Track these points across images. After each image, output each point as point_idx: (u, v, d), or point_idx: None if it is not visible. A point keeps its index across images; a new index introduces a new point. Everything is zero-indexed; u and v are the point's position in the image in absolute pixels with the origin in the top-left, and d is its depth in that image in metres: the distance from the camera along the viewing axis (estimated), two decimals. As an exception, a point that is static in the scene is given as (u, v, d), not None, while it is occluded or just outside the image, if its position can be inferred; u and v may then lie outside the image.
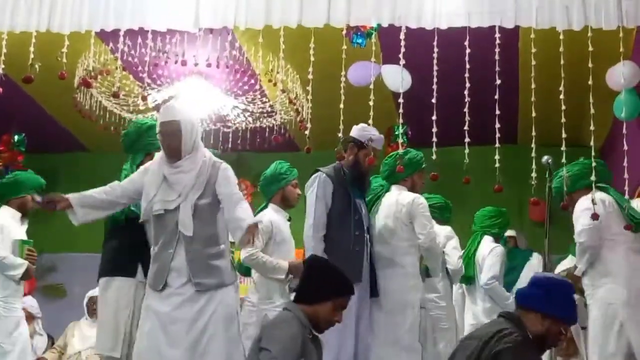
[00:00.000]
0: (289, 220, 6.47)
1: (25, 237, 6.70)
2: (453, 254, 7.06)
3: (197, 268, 4.85)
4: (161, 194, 4.97)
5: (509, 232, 8.71)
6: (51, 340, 8.92)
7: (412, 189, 6.19)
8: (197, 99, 8.72)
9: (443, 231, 7.03)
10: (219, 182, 4.97)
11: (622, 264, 5.61)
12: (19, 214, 6.70)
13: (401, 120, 5.83)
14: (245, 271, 6.47)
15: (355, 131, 5.91)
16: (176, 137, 4.98)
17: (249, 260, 6.07)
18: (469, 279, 7.58)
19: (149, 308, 4.91)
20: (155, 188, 4.99)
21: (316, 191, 5.68)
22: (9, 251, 6.47)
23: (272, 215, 6.34)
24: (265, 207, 6.47)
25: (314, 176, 5.77)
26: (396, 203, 6.02)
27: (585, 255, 5.69)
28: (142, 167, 5.23)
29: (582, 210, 5.65)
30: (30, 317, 8.07)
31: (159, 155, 5.15)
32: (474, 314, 7.58)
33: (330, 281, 4.51)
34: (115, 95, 6.77)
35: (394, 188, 6.20)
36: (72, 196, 5.05)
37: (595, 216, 5.36)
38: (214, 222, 4.97)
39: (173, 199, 4.93)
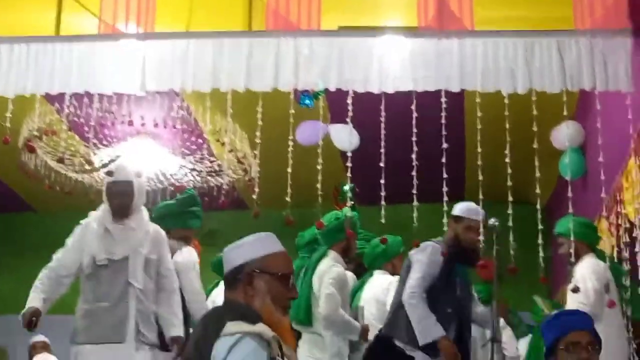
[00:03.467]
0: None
1: None
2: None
3: None
4: None
5: None
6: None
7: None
8: (144, 158, 8.65)
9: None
10: None
11: None
12: None
13: (349, 181, 5.79)
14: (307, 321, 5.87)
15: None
16: None
17: (335, 316, 5.69)
18: None
19: None
20: None
21: None
22: None
23: (342, 267, 5.97)
24: (324, 254, 5.99)
25: None
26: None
27: None
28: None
29: None
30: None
31: None
32: None
33: None
34: (61, 160, 6.69)
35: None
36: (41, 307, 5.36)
37: None
38: None
39: None
